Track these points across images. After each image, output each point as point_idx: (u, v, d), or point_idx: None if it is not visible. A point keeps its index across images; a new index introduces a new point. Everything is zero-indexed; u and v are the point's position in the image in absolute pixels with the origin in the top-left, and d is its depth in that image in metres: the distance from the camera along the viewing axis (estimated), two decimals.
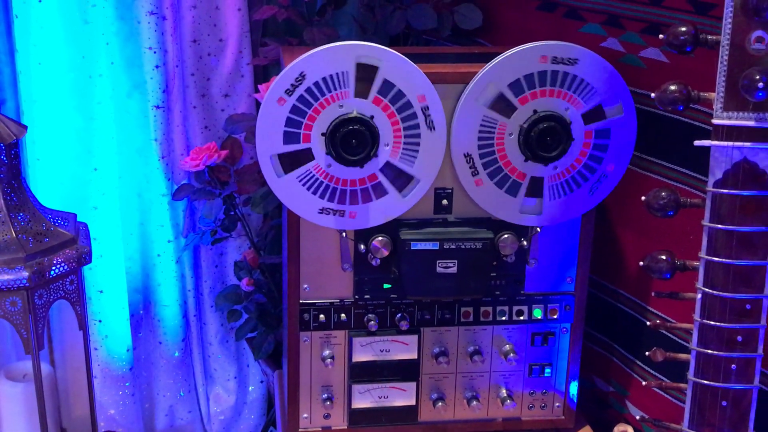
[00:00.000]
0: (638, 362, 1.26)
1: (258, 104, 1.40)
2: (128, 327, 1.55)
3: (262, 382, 1.71)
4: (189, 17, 1.49)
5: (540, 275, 1.19)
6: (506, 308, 1.19)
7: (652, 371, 1.23)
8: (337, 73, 1.05)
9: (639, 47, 1.19)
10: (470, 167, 1.10)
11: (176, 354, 1.63)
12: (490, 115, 1.09)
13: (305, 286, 1.15)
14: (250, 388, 1.71)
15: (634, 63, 1.20)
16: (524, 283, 1.19)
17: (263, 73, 1.55)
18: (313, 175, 1.09)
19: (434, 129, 1.08)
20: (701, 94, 0.93)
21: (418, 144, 1.09)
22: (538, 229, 1.15)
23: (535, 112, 1.08)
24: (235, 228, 1.54)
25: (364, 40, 1.47)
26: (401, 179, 1.10)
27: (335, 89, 1.05)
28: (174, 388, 1.65)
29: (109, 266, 1.51)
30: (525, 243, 1.15)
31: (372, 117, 1.06)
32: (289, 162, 1.08)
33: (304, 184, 1.09)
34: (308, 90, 1.05)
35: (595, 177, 1.13)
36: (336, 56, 1.05)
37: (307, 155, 1.08)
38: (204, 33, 1.51)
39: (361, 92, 1.06)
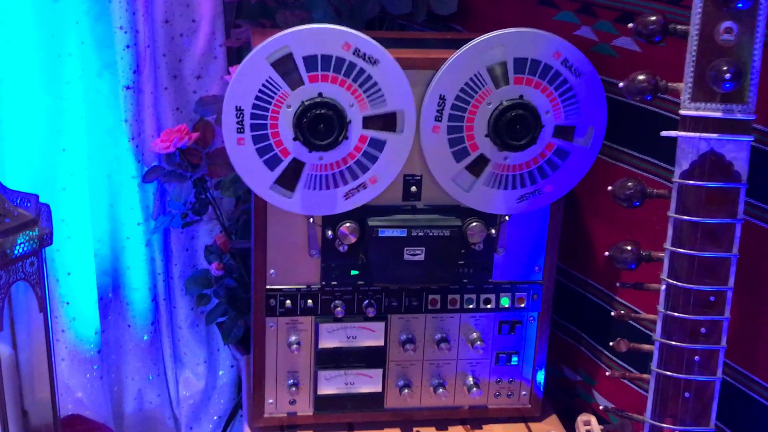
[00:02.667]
0: (605, 352, 1.26)
1: None
2: (96, 310, 1.54)
3: (232, 366, 1.71)
4: None
5: (508, 264, 1.19)
6: (474, 296, 1.19)
7: (618, 361, 1.23)
8: (323, 55, 1.03)
9: (611, 36, 1.18)
10: (461, 184, 1.10)
11: (145, 337, 1.62)
12: (453, 123, 1.08)
13: (272, 271, 1.14)
14: (220, 373, 1.70)
15: (606, 52, 1.19)
16: (492, 271, 1.18)
17: (236, 55, 1.53)
18: (273, 149, 1.07)
19: (402, 132, 1.08)
20: (669, 84, 0.92)
21: (379, 153, 1.08)
22: (507, 217, 1.15)
23: (498, 106, 1.07)
24: (206, 212, 1.53)
25: (339, 24, 1.47)
26: (355, 175, 1.09)
27: (320, 70, 1.03)
28: (143, 372, 1.64)
29: (78, 248, 1.50)
30: (493, 231, 1.15)
31: (351, 105, 1.05)
32: (252, 126, 1.06)
33: (261, 156, 1.07)
34: (292, 64, 1.03)
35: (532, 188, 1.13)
36: (330, 38, 1.03)
37: (272, 126, 1.06)
38: (176, 13, 1.49)
39: (345, 81, 1.04)
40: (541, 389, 1.25)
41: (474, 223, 1.13)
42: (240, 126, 1.05)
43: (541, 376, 1.24)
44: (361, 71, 1.04)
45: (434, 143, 1.09)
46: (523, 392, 1.25)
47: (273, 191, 1.08)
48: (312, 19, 1.42)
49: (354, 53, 1.04)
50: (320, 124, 1.05)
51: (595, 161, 1.14)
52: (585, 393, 1.32)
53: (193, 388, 1.67)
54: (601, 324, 1.27)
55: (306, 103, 1.04)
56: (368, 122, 1.07)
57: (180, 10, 1.49)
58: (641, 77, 0.92)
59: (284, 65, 1.03)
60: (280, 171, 1.07)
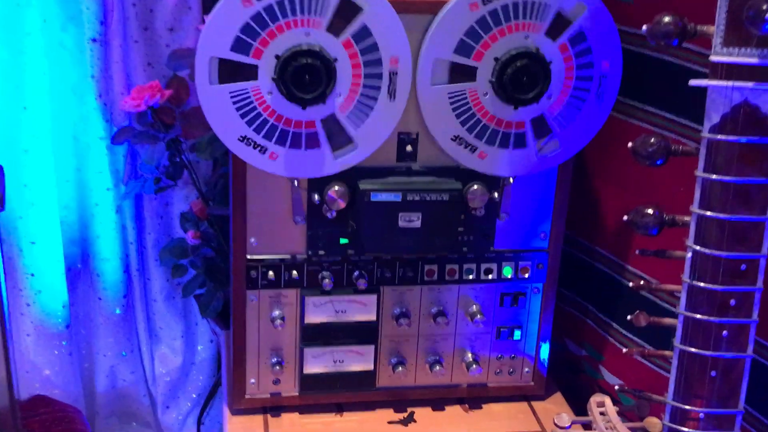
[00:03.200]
0: (614, 325, 1.17)
1: None
2: (64, 282, 1.43)
3: (211, 341, 1.60)
4: None
5: (511, 231, 1.09)
6: (474, 266, 1.09)
7: (630, 335, 1.14)
8: (243, 27, 0.93)
9: None
10: (465, 147, 1.00)
11: (117, 311, 1.51)
12: (454, 90, 0.98)
13: (252, 239, 1.04)
14: (199, 348, 1.60)
15: None
16: (494, 239, 1.08)
17: (213, 5, 1.41)
18: (249, 97, 0.96)
19: (394, 98, 0.97)
20: (698, 27, 0.82)
21: (371, 108, 0.98)
22: (511, 179, 1.05)
23: (496, 60, 0.97)
24: (181, 176, 1.42)
25: None
26: (339, 138, 0.99)
27: (309, 13, 0.93)
28: (115, 348, 1.54)
29: (42, 215, 1.38)
30: (496, 195, 1.05)
31: (335, 60, 0.95)
32: (228, 72, 0.96)
33: (234, 103, 0.96)
34: (280, 3, 0.92)
35: (594, 83, 1.01)
36: (229, 9, 0.92)
37: (250, 72, 0.95)
38: None
39: (335, 28, 0.94)
40: (545, 366, 1.16)
41: (475, 186, 1.03)
42: (260, 147, 0.97)
43: (545, 352, 1.15)
44: (351, 14, 0.93)
45: (492, 161, 1.00)
46: (526, 369, 1.16)
47: (247, 146, 0.98)
48: None
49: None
50: (305, 75, 0.94)
51: (607, 118, 1.04)
52: (591, 369, 1.23)
53: (170, 364, 1.57)
54: (610, 295, 1.17)
55: (287, 54, 0.93)
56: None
57: None
58: (667, 19, 0.83)
59: (225, 70, 0.93)
60: (260, 125, 0.97)
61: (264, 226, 1.04)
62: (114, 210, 1.44)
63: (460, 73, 0.98)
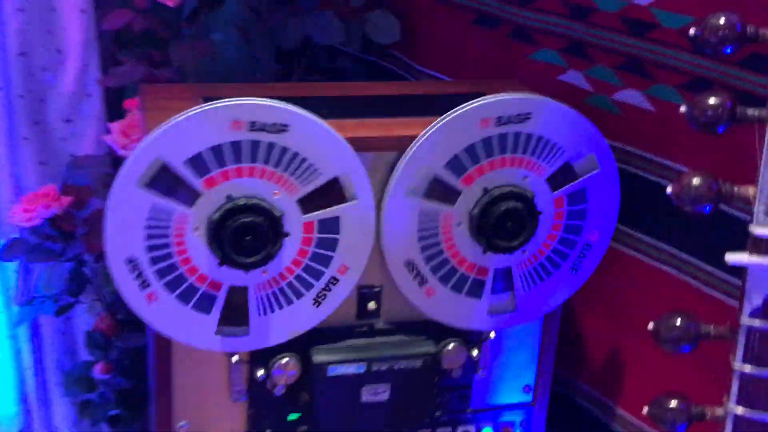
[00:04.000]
0: None
1: (111, 150, 1.06)
2: None
3: None
4: (15, 22, 1.12)
5: (491, 385, 0.92)
6: (448, 430, 0.92)
7: None
8: (214, 147, 0.74)
9: (612, 87, 0.92)
10: (415, 277, 0.82)
11: None
12: (428, 208, 0.80)
13: (182, 423, 0.84)
14: None
15: (604, 107, 0.93)
16: (471, 397, 0.91)
17: (117, 95, 1.20)
18: (198, 288, 0.77)
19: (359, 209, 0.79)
20: (737, 188, 0.67)
21: (337, 234, 0.79)
22: (492, 334, 0.88)
23: (485, 191, 0.81)
24: (85, 290, 1.21)
25: (249, 53, 1.16)
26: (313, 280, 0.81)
27: (216, 167, 0.74)
28: None
29: None
30: (475, 352, 0.88)
31: (277, 194, 0.76)
32: (160, 274, 0.77)
33: (186, 302, 0.78)
34: (173, 177, 0.74)
35: (576, 251, 0.86)
36: (210, 124, 0.73)
37: (184, 261, 0.77)
38: (35, 43, 1.15)
39: (256, 168, 0.75)
40: None
41: (451, 346, 0.86)
42: (142, 280, 0.75)
43: None
44: (270, 146, 0.75)
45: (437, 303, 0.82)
46: None
47: (222, 335, 0.79)
48: (215, 50, 1.10)
49: (251, 128, 0.74)
50: (245, 236, 0.75)
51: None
52: None
53: None
54: None
55: (215, 217, 0.74)
56: (307, 204, 0.78)
57: (41, 38, 1.15)
58: (698, 181, 0.67)
59: (165, 180, 0.73)
60: (219, 309, 0.78)
61: (196, 406, 0.84)
62: (7, 336, 1.22)
63: (441, 193, 0.81)
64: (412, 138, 0.78)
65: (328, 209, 0.78)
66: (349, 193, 0.78)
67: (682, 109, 0.65)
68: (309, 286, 0.80)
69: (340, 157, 0.77)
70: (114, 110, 1.23)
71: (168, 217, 0.75)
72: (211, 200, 0.75)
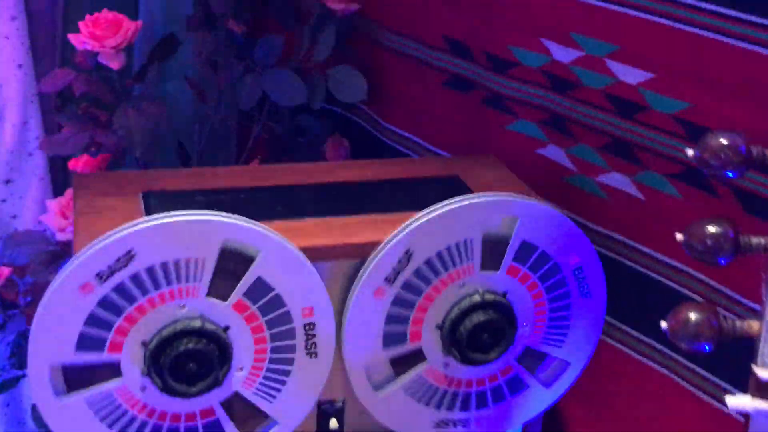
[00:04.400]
0: None
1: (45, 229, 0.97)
2: None
3: None
4: None
5: None
6: None
7: None
8: (187, 260, 0.66)
9: (597, 169, 0.85)
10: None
11: None
12: (389, 330, 0.73)
13: None
14: None
15: (588, 189, 0.86)
16: None
17: (61, 163, 1.11)
18: (114, 401, 0.69)
19: (315, 356, 0.71)
20: (738, 323, 0.60)
21: (287, 373, 0.71)
22: None
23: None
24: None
25: (201, 110, 1.07)
26: (251, 419, 0.72)
27: (178, 282, 0.66)
28: None
29: None
30: None
31: (227, 328, 0.68)
32: (79, 377, 0.69)
33: (96, 413, 0.69)
34: (135, 277, 0.65)
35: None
36: (193, 235, 0.65)
37: (110, 371, 0.68)
38: None
39: (219, 291, 0.67)
40: None
41: None
42: None
43: None
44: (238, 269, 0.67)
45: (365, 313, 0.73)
46: None
47: None
48: (165, 112, 1.01)
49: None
50: (189, 362, 0.67)
51: None
52: None
53: None
54: None
55: (156, 341, 0.66)
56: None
57: None
58: (695, 317, 0.60)
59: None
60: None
61: None
62: None
63: (402, 311, 0.73)
64: (375, 244, 0.70)
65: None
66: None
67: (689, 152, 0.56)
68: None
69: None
70: (59, 168, 1.14)
71: (111, 399, 0.67)
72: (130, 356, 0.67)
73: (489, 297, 0.73)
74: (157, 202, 0.75)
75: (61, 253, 0.97)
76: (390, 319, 0.73)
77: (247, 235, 0.67)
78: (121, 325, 0.66)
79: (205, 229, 0.66)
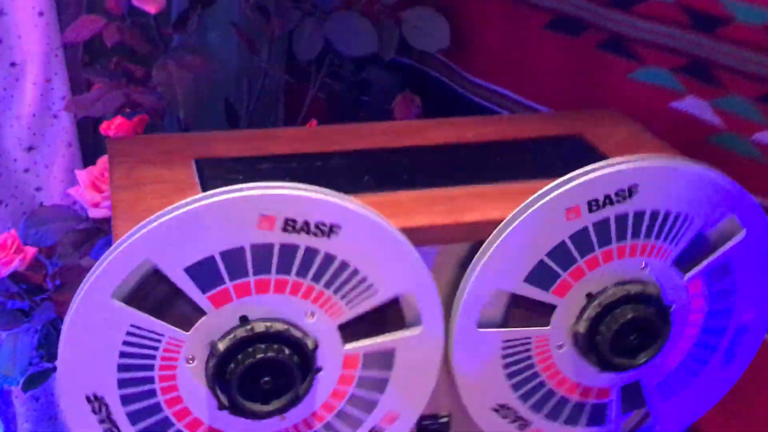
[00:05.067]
0: None
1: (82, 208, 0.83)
2: None
3: None
4: None
5: None
6: None
7: None
8: (226, 253, 0.51)
9: (752, 125, 0.68)
10: (512, 421, 0.59)
11: None
12: (512, 337, 0.57)
13: None
14: None
15: (740, 150, 0.69)
16: None
17: (93, 126, 0.97)
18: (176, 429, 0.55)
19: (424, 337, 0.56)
20: None
21: (388, 371, 0.56)
22: None
23: (589, 297, 0.57)
24: None
25: (250, 62, 0.93)
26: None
27: (231, 280, 0.51)
28: None
29: None
30: None
31: (312, 315, 0.53)
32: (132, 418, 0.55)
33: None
34: (171, 288, 0.50)
35: (726, 339, 0.64)
36: (215, 221, 0.50)
37: (169, 403, 0.54)
38: None
39: (283, 282, 0.52)
40: None
41: None
42: (108, 423, 0.52)
43: None
44: (311, 254, 0.51)
45: (478, 355, 0.58)
46: None
47: None
48: (209, 64, 0.86)
49: (285, 228, 0.50)
50: (263, 377, 0.52)
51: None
52: None
53: None
54: None
55: (221, 348, 0.51)
56: (350, 332, 0.55)
57: None
58: None
59: (152, 294, 0.50)
60: None
61: None
62: None
63: (526, 312, 0.58)
64: (493, 224, 0.55)
65: (380, 338, 0.55)
66: (409, 318, 0.55)
67: None
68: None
69: (404, 270, 0.54)
70: (90, 133, 1.00)
71: (154, 343, 0.52)
72: (218, 322, 0.52)
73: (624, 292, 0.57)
74: (213, 170, 0.60)
75: (96, 231, 0.83)
76: (506, 342, 0.58)
77: (311, 206, 0.51)
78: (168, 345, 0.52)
79: (234, 208, 0.50)
